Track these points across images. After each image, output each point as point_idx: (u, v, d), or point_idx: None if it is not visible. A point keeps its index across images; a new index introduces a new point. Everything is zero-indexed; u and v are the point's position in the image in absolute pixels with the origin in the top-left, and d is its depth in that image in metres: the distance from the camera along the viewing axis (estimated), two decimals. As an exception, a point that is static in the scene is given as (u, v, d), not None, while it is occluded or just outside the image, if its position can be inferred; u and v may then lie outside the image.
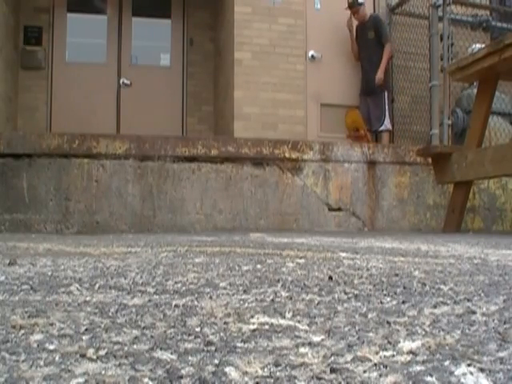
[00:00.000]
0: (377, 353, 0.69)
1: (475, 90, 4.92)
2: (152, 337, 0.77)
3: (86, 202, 4.41)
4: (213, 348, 0.71)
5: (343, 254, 2.06)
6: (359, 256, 1.99)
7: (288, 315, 0.91)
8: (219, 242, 2.85)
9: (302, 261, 1.80)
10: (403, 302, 1.02)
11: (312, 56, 6.75)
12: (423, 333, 0.79)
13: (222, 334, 0.78)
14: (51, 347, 0.71)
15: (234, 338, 0.76)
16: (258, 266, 1.62)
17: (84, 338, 0.76)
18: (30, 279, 1.34)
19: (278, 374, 0.61)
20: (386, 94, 6.48)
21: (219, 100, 7.52)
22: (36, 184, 4.35)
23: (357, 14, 6.61)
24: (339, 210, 4.89)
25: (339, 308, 0.98)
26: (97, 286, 1.23)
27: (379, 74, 6.36)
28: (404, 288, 1.20)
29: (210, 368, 0.62)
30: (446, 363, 0.64)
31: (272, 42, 6.54)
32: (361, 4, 6.57)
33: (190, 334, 0.78)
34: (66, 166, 4.40)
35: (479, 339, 0.75)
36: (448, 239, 3.20)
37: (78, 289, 1.19)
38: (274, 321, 0.87)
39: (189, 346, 0.72)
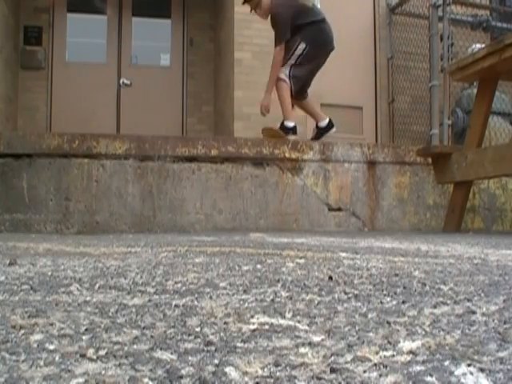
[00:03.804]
0: (377, 353, 0.69)
1: (475, 90, 4.92)
2: (152, 337, 0.77)
3: (86, 202, 4.41)
4: (213, 348, 0.71)
5: (343, 254, 2.06)
6: (359, 256, 1.99)
7: (288, 315, 0.91)
8: (219, 242, 2.85)
9: (302, 261, 1.80)
10: (403, 302, 1.02)
11: (312, 56, 6.73)
12: (423, 333, 0.79)
13: (222, 334, 0.78)
14: (51, 347, 0.71)
15: (234, 338, 0.76)
16: (258, 266, 1.62)
17: (84, 338, 0.76)
18: (30, 279, 1.34)
19: (277, 374, 0.61)
20: (303, 44, 5.00)
21: (219, 100, 7.52)
22: (36, 184, 4.35)
23: (258, 9, 5.02)
24: (339, 210, 4.89)
25: (339, 308, 0.97)
26: (97, 285, 1.23)
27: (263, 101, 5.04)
28: (404, 288, 1.20)
29: (210, 368, 0.62)
30: (446, 363, 0.63)
31: (272, 42, 6.53)
32: None
33: (190, 334, 0.78)
34: (66, 166, 4.40)
35: (479, 339, 0.75)
36: (448, 239, 3.20)
37: (77, 289, 1.19)
38: (274, 321, 0.87)
39: (189, 346, 0.72)
